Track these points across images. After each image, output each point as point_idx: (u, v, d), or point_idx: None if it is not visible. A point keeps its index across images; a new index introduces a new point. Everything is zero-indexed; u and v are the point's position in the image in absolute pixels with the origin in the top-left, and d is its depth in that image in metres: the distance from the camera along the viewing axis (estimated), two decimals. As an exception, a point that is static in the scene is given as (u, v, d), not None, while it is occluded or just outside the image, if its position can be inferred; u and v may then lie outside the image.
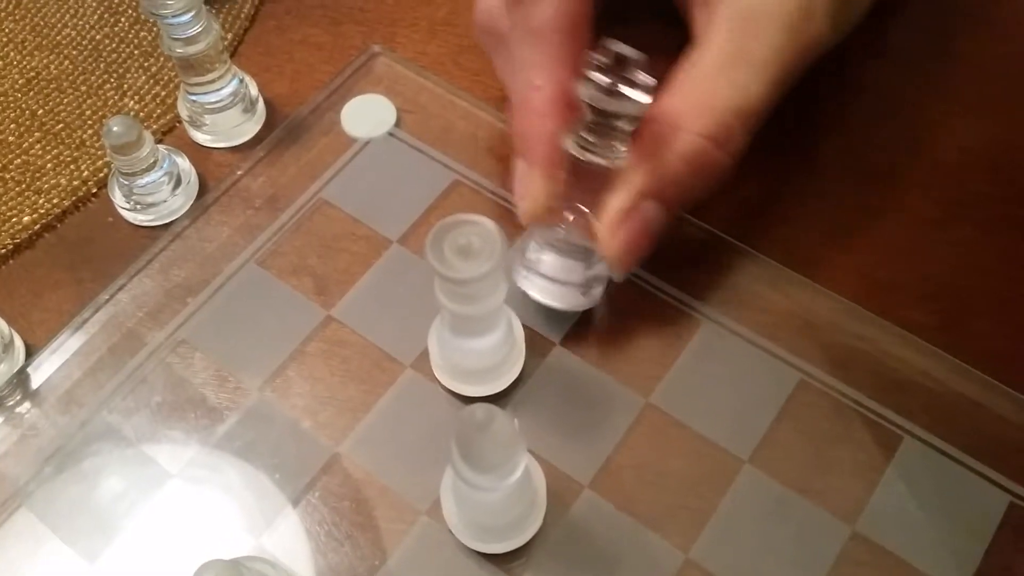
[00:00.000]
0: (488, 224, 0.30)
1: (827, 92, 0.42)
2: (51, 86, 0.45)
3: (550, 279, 0.36)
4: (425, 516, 0.34)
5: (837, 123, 0.42)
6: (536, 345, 0.37)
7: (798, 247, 0.39)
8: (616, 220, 0.34)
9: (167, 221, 0.40)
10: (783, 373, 0.36)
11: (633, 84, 0.30)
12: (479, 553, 0.33)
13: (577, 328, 0.37)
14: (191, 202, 0.41)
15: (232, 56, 0.46)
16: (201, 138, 0.43)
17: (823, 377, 0.35)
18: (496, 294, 0.32)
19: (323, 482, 0.34)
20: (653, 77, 0.30)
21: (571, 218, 0.35)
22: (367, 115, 0.43)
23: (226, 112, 0.42)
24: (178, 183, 0.40)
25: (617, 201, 0.34)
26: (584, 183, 0.33)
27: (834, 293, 0.37)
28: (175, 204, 0.40)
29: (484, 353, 0.34)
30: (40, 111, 0.44)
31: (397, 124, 0.42)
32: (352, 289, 0.38)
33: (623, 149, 0.32)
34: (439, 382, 0.36)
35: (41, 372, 0.37)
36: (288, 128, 0.43)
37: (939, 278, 0.38)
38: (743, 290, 0.37)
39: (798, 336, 0.36)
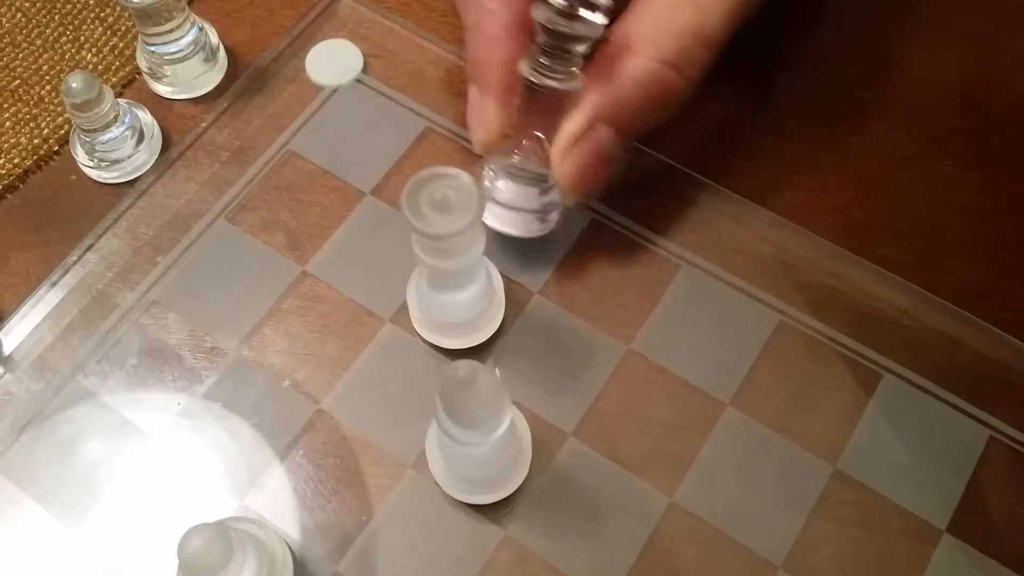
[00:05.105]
0: (464, 177, 0.29)
1: (799, 26, 0.42)
2: (4, 40, 0.43)
3: (506, 206, 0.36)
4: (411, 469, 0.34)
5: (810, 57, 0.41)
6: (515, 295, 0.36)
7: (774, 187, 0.38)
8: (569, 144, 0.33)
9: (132, 178, 0.39)
10: (762, 315, 0.36)
11: (589, 5, 0.29)
12: (466, 504, 0.33)
13: (556, 277, 0.37)
14: (155, 157, 0.40)
15: (190, 3, 0.44)
16: (162, 90, 0.42)
17: (801, 317, 0.36)
18: (475, 248, 0.31)
19: (306, 439, 0.34)
20: None
21: (526, 144, 0.34)
22: (333, 62, 0.41)
23: (187, 62, 0.41)
24: (141, 138, 0.39)
25: (571, 125, 0.33)
26: (539, 108, 0.33)
27: (810, 232, 0.37)
28: (139, 160, 0.39)
29: (464, 306, 0.34)
30: (-6, 66, 0.43)
31: (364, 70, 0.41)
32: (326, 243, 0.38)
33: (579, 73, 0.31)
34: (419, 336, 0.36)
35: (12, 337, 0.36)
36: (251, 77, 0.41)
37: (914, 215, 0.38)
38: (721, 232, 0.37)
39: (775, 277, 0.36)
